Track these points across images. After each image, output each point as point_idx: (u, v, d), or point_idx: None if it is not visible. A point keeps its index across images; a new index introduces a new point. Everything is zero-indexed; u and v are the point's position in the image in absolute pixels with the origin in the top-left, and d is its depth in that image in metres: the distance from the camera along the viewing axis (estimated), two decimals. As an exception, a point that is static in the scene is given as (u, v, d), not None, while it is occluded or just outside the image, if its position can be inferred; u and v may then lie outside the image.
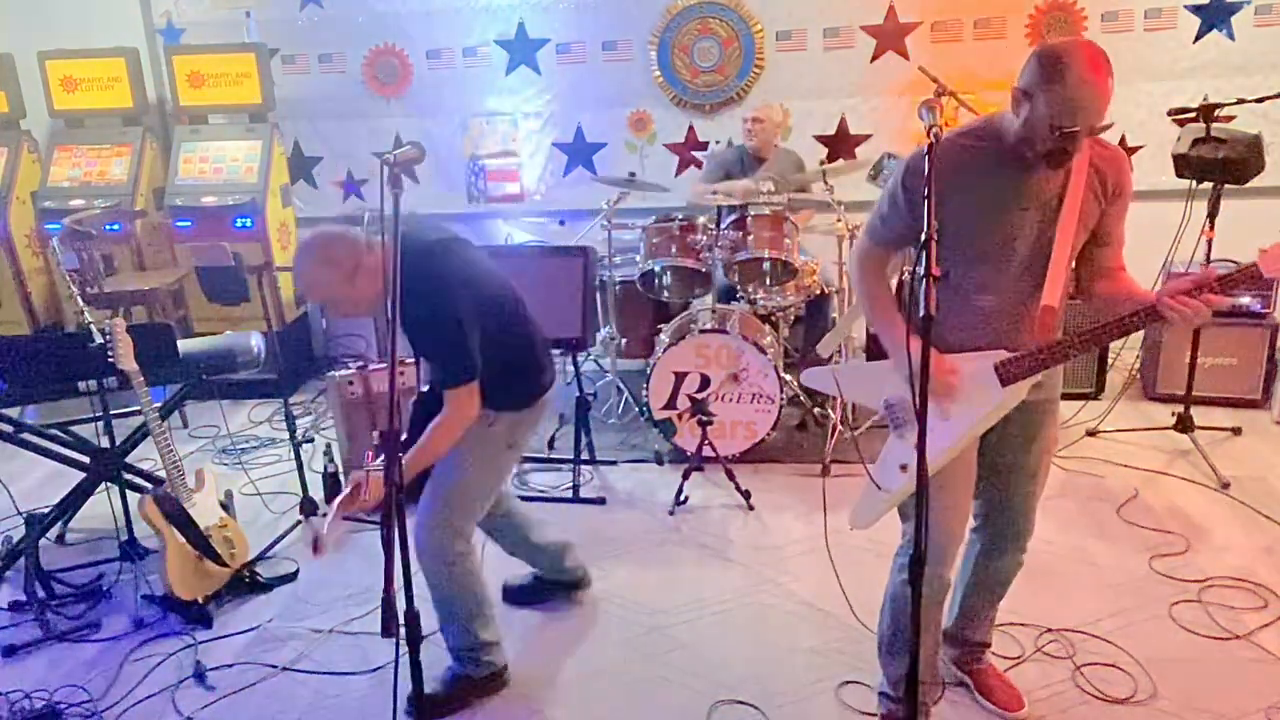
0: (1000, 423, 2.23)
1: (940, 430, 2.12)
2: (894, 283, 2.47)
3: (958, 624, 2.58)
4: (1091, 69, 1.88)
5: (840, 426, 4.14)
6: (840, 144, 5.33)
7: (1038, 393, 2.19)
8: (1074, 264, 2.14)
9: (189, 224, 5.17)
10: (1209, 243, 3.90)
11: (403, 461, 2.01)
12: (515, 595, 3.15)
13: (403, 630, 1.98)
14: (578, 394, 3.98)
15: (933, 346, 1.90)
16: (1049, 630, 2.87)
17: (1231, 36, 4.87)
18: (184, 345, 3.50)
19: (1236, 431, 4.22)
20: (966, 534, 2.40)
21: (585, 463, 4.01)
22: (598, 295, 4.62)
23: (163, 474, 3.14)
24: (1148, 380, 4.69)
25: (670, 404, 4.07)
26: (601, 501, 3.87)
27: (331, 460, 3.88)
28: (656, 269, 4.29)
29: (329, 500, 3.84)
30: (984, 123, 2.11)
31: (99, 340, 3.10)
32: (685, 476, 3.82)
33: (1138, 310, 1.96)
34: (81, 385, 3.21)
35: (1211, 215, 3.80)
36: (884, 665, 2.45)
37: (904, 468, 2.22)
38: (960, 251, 2.03)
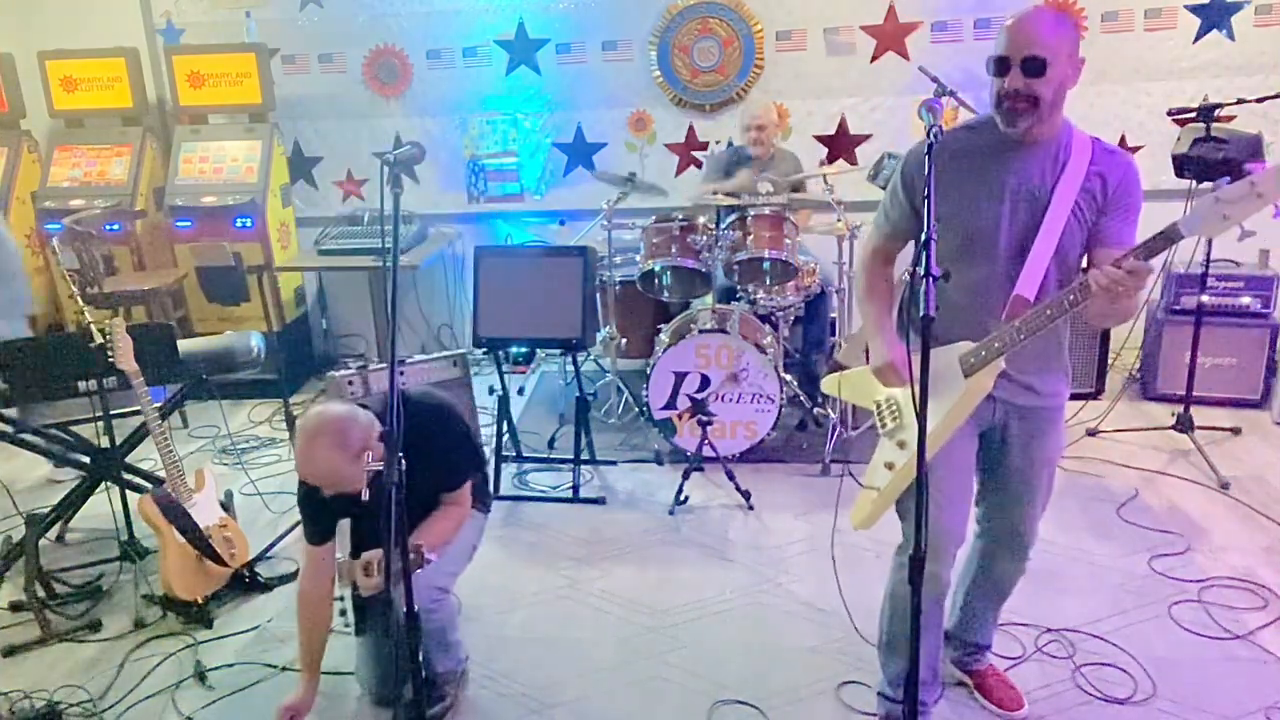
0: (1000, 430, 2.24)
1: (914, 426, 2.13)
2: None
3: (959, 625, 2.58)
4: (1030, 10, 1.98)
5: (840, 426, 4.14)
6: (840, 144, 5.33)
7: (1033, 398, 2.19)
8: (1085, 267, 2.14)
9: (189, 224, 5.17)
10: (1209, 242, 3.91)
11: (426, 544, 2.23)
12: None
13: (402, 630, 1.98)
14: (578, 394, 3.98)
15: (908, 340, 1.92)
16: (1049, 630, 2.87)
17: (1231, 36, 4.87)
18: (184, 345, 3.50)
19: (1236, 431, 4.22)
20: (970, 537, 2.40)
21: (585, 463, 4.01)
22: (598, 295, 4.62)
23: (163, 474, 3.14)
24: (1148, 380, 4.69)
25: (670, 404, 4.07)
26: (601, 501, 3.87)
27: (331, 460, 3.87)
28: (656, 269, 4.29)
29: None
30: (984, 117, 2.13)
31: (99, 340, 3.10)
32: (685, 476, 3.82)
33: (1072, 289, 1.95)
34: (81, 385, 3.21)
35: (1211, 215, 3.79)
36: (883, 664, 2.45)
37: (889, 465, 2.25)
38: (946, 241, 2.03)
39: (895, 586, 2.35)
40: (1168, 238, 1.85)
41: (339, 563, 2.52)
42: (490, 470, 3.96)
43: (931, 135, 1.88)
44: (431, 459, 2.43)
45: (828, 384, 2.52)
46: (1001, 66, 1.98)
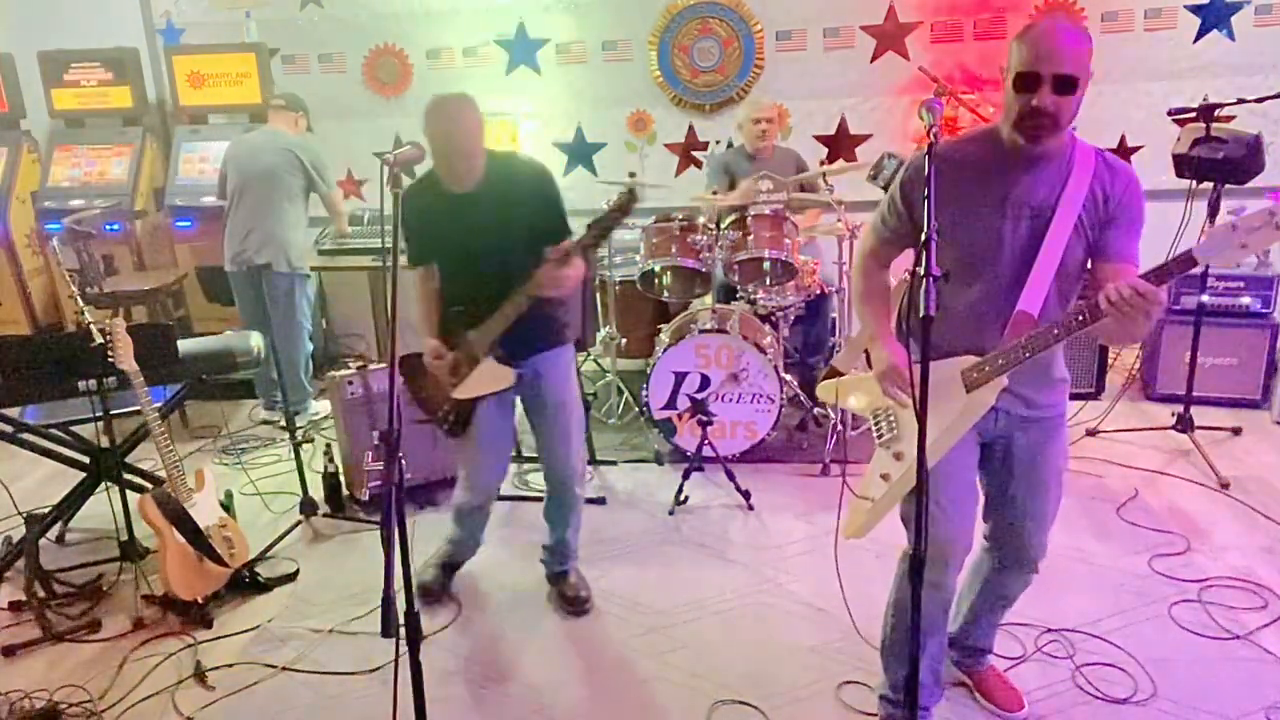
0: (1004, 441, 2.24)
1: (910, 437, 2.13)
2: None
3: (962, 630, 2.58)
4: (1054, 24, 1.92)
5: (840, 426, 4.14)
6: (840, 144, 5.33)
7: (1034, 410, 2.19)
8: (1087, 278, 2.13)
9: (189, 224, 5.17)
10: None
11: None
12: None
13: (403, 630, 1.98)
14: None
15: (909, 348, 1.95)
16: (1049, 630, 2.87)
17: (1231, 36, 4.87)
18: (184, 345, 3.50)
19: (1236, 431, 4.22)
20: (977, 549, 2.40)
21: (585, 463, 4.00)
22: (598, 295, 4.62)
23: (163, 474, 3.14)
24: (1148, 380, 4.69)
25: (670, 404, 4.07)
26: (601, 501, 3.87)
27: (331, 460, 3.88)
28: (656, 269, 4.29)
29: (328, 500, 3.85)
30: (986, 129, 2.11)
31: (99, 340, 3.10)
32: (685, 476, 3.82)
33: (1081, 308, 1.93)
34: (81, 385, 3.21)
35: (1212, 215, 3.80)
36: (886, 667, 2.45)
37: (884, 476, 2.24)
38: (945, 254, 2.02)
39: (900, 595, 2.34)
40: (1182, 263, 1.82)
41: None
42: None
43: (932, 135, 1.87)
44: (538, 199, 2.77)
45: (823, 390, 2.50)
46: (1030, 82, 1.90)
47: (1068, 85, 1.88)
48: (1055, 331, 1.97)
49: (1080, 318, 1.93)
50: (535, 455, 4.21)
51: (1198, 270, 3.97)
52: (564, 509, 3.13)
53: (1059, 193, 2.01)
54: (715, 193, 4.57)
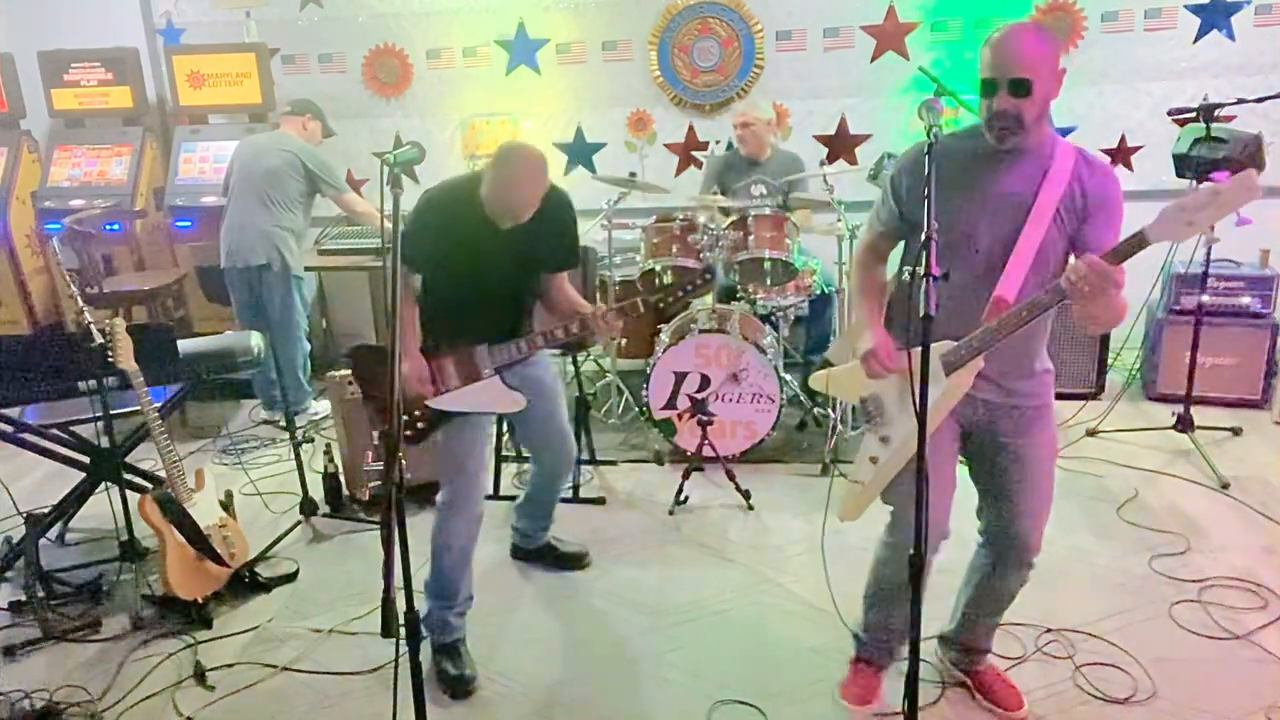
0: (987, 430, 2.28)
1: (895, 421, 2.29)
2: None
3: (959, 631, 2.59)
4: (1012, 29, 2.02)
5: (840, 426, 4.14)
6: (840, 144, 5.33)
7: (1015, 399, 2.23)
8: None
9: (189, 224, 5.17)
10: (1209, 243, 3.91)
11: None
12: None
13: (403, 630, 1.98)
14: (578, 394, 3.98)
15: (896, 337, 2.12)
16: (1049, 630, 2.87)
17: (1231, 36, 4.87)
18: (184, 345, 3.50)
19: (1236, 431, 4.22)
20: (972, 547, 2.45)
21: (585, 463, 4.01)
22: (598, 295, 4.62)
23: (163, 474, 3.13)
24: (1148, 380, 4.69)
25: (670, 404, 4.07)
26: (601, 501, 3.87)
27: (331, 460, 3.88)
28: (656, 269, 4.29)
29: (329, 501, 3.85)
30: (975, 126, 2.17)
31: (99, 340, 3.10)
32: (685, 476, 3.82)
33: (1045, 289, 2.01)
34: (81, 385, 3.21)
35: (1211, 215, 3.79)
36: (863, 612, 2.60)
37: (873, 460, 2.35)
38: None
39: (881, 564, 2.49)
40: (1134, 243, 1.89)
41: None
42: (490, 470, 3.97)
43: (932, 135, 1.89)
44: (559, 231, 2.83)
45: (815, 380, 2.58)
46: (989, 88, 2.01)
47: (1022, 88, 1.97)
48: (1024, 313, 2.04)
49: (1046, 298, 2.01)
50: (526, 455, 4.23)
51: (1197, 270, 4.03)
52: (563, 479, 3.29)
53: (1037, 187, 2.08)
54: (716, 193, 4.57)
